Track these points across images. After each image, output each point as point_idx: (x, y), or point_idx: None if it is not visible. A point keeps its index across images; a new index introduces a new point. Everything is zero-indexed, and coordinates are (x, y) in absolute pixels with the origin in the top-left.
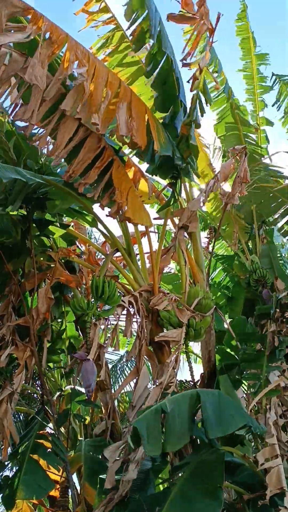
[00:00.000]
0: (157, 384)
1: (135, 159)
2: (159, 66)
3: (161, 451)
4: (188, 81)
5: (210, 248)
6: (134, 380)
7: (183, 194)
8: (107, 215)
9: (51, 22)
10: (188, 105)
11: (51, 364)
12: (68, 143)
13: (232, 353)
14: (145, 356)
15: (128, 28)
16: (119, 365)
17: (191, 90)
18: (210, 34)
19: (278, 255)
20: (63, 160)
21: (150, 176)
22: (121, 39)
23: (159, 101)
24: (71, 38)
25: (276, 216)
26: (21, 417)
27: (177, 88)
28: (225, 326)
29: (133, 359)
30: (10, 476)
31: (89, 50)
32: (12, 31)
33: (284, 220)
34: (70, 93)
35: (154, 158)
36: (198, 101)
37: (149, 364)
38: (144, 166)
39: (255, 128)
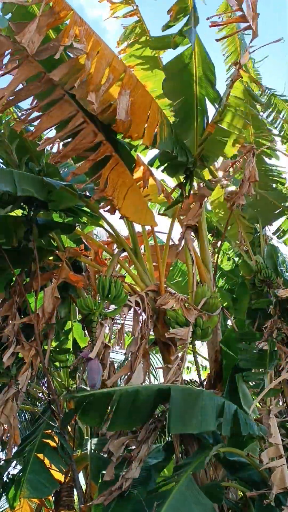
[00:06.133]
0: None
1: (145, 158)
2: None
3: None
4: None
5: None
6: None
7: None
8: (104, 210)
9: None
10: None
11: (57, 364)
12: (59, 129)
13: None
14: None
15: None
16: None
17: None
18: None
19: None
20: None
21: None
22: (142, 32)
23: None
24: (76, 14)
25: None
26: (26, 416)
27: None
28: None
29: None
30: (15, 474)
31: (94, 31)
32: None
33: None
34: (63, 64)
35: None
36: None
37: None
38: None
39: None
